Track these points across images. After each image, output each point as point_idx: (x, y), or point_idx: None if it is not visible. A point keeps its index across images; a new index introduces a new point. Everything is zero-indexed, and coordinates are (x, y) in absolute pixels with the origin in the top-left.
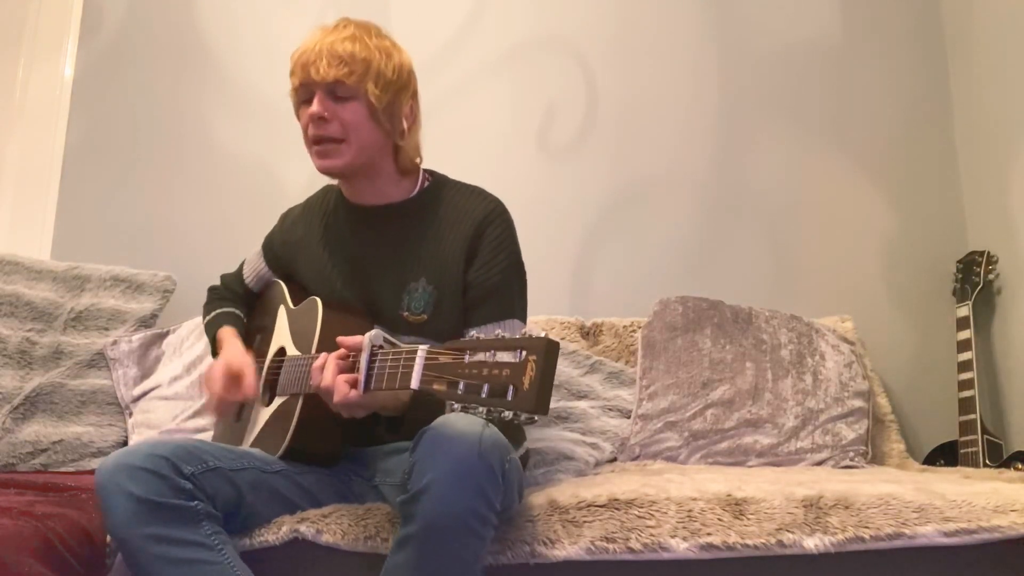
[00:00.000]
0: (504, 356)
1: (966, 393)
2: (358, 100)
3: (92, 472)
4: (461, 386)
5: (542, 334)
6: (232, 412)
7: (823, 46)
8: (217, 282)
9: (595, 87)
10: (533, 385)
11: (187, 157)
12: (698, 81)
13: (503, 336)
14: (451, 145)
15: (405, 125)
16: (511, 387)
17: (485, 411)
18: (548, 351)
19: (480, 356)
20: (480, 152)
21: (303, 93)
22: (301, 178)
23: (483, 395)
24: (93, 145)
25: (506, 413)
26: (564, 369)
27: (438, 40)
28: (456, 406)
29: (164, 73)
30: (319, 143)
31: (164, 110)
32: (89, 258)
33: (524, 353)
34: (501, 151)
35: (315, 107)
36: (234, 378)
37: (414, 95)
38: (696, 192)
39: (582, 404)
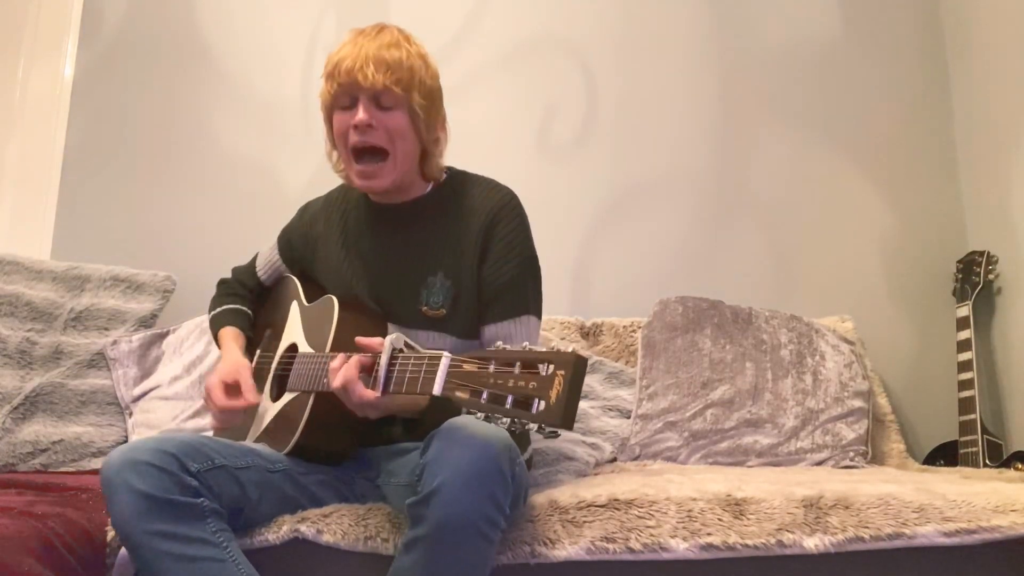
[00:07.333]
0: (529, 369)
1: (966, 393)
2: (401, 109)
3: (92, 472)
4: (485, 395)
5: (570, 348)
6: (238, 421)
7: (823, 46)
8: (222, 277)
9: (595, 87)
10: (560, 400)
11: (187, 157)
12: (698, 81)
13: (528, 347)
14: (451, 145)
15: (439, 134)
16: (537, 400)
17: (509, 422)
18: (576, 366)
19: (505, 367)
20: (480, 152)
21: (343, 98)
22: (301, 178)
23: (507, 406)
24: (93, 145)
25: (531, 425)
26: None
27: (438, 40)
28: (479, 415)
29: (164, 73)
30: (361, 155)
31: (164, 110)
32: (89, 258)
33: (552, 367)
34: (501, 151)
35: (361, 115)
36: (232, 388)
37: (441, 102)
38: (696, 192)
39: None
